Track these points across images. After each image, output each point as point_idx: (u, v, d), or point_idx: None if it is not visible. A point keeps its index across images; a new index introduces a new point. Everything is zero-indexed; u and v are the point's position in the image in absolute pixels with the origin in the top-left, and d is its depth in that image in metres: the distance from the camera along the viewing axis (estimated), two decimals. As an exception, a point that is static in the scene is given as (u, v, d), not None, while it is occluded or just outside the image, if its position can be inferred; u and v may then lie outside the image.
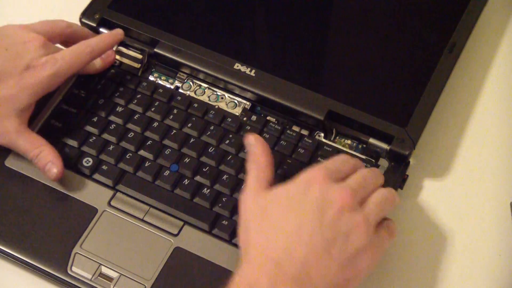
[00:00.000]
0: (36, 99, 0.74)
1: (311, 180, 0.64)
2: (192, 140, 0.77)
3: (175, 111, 0.78)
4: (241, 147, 0.76)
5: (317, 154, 0.76)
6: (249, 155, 0.69)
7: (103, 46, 0.78)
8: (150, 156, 0.76)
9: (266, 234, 0.62)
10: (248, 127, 0.77)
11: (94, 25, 0.82)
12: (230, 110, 0.79)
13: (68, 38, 0.79)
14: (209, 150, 0.76)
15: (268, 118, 0.79)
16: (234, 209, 0.73)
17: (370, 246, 0.63)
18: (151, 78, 0.82)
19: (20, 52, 0.73)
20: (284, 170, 0.75)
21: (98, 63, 0.80)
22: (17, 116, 0.73)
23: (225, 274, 0.70)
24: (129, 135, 0.77)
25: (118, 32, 0.80)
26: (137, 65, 0.82)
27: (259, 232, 0.63)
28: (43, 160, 0.73)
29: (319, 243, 0.61)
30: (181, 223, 0.73)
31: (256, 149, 0.68)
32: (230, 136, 0.77)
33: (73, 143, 0.77)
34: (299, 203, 0.63)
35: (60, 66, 0.74)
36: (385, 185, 0.73)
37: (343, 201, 0.63)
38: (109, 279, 0.70)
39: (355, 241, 0.62)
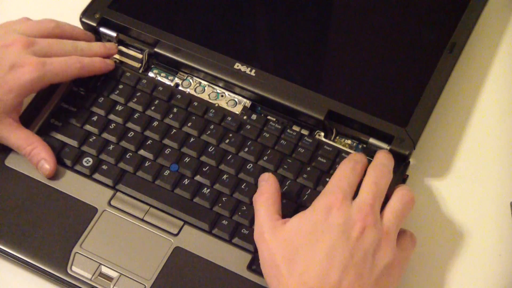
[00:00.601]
0: (22, 99, 0.75)
1: (330, 206, 0.65)
2: (192, 139, 0.77)
3: (175, 110, 0.78)
4: (241, 147, 0.76)
5: (317, 153, 0.76)
6: (258, 190, 0.69)
7: (93, 67, 0.78)
8: (150, 155, 0.76)
9: (298, 265, 0.63)
10: (248, 126, 0.77)
11: (94, 24, 0.82)
12: (230, 109, 0.79)
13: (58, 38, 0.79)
14: (209, 149, 0.76)
15: (268, 117, 0.79)
16: (234, 209, 0.73)
17: (396, 260, 0.65)
18: (151, 74, 0.81)
19: (2, 56, 0.73)
20: (284, 169, 0.75)
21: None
22: (7, 115, 0.73)
23: (225, 274, 0.70)
24: (129, 135, 0.77)
25: (110, 63, 0.80)
26: (137, 65, 0.82)
27: (291, 265, 0.63)
28: (36, 157, 0.74)
29: (351, 266, 0.62)
30: (181, 223, 0.73)
31: (267, 184, 0.69)
32: (230, 135, 0.77)
33: (73, 142, 0.76)
34: (323, 232, 0.64)
35: (46, 71, 0.74)
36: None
37: (365, 221, 0.64)
38: (109, 278, 0.70)
39: (381, 258, 0.64)
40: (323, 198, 0.66)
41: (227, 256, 0.71)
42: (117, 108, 0.78)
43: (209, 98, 0.80)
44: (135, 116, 0.78)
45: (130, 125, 0.78)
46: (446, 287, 0.72)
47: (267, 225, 0.66)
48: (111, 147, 0.76)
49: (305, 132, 0.78)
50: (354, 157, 0.71)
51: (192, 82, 0.81)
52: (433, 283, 0.72)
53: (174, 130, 0.77)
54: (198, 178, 0.74)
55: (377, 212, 0.66)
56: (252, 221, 0.72)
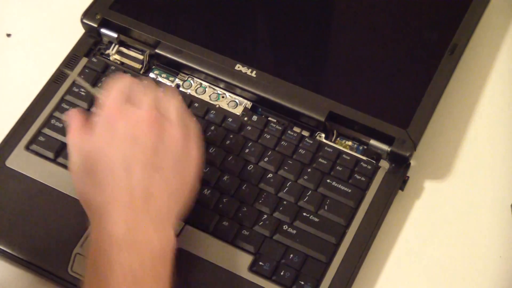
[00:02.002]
0: None
1: (109, 120, 0.66)
2: (193, 140, 0.77)
3: (176, 111, 0.78)
4: (242, 147, 0.76)
5: (318, 155, 0.76)
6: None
7: None
8: (151, 156, 0.76)
9: (102, 182, 0.64)
10: (249, 127, 0.77)
11: (95, 25, 0.82)
12: (231, 110, 0.79)
13: None
14: (210, 150, 0.76)
15: (269, 118, 0.79)
16: (235, 210, 0.73)
17: (184, 133, 0.67)
18: (152, 75, 0.81)
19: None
20: (284, 170, 0.75)
21: None
22: None
23: (226, 275, 0.70)
24: (130, 136, 0.77)
25: None
26: (138, 66, 0.82)
27: (95, 185, 0.64)
28: None
29: (147, 163, 0.64)
30: (182, 223, 0.72)
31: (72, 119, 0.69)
32: (231, 136, 0.77)
33: (74, 143, 0.76)
34: (111, 142, 0.65)
35: None
36: (386, 187, 0.74)
37: (149, 117, 0.65)
38: (110, 279, 0.70)
39: (171, 140, 0.66)
40: (102, 114, 0.66)
41: (228, 257, 0.71)
42: (118, 109, 0.78)
43: (210, 99, 0.80)
44: (136, 117, 0.78)
45: (131, 126, 0.77)
46: (447, 288, 0.73)
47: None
48: (112, 148, 0.76)
49: (306, 133, 0.78)
50: (121, 77, 0.71)
51: (193, 83, 0.81)
52: (433, 285, 0.72)
53: (175, 131, 0.77)
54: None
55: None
56: (253, 222, 0.72)
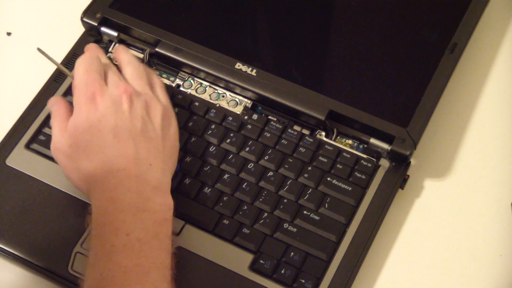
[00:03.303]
0: None
1: (92, 96, 0.69)
2: (193, 139, 0.76)
3: (176, 110, 0.78)
4: (242, 146, 0.76)
5: (318, 153, 0.76)
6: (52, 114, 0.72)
7: None
8: (151, 155, 0.76)
9: (96, 158, 0.67)
10: (250, 126, 0.77)
11: (95, 24, 0.82)
12: (231, 109, 0.79)
13: None
14: (211, 149, 0.76)
15: (269, 117, 0.79)
16: (235, 209, 0.73)
17: (164, 106, 0.72)
18: (152, 76, 0.81)
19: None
20: (285, 169, 0.75)
21: None
22: None
23: (226, 274, 0.70)
24: (130, 134, 0.77)
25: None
26: (138, 64, 0.82)
27: (90, 161, 0.67)
28: None
29: (138, 135, 0.68)
30: (183, 222, 0.72)
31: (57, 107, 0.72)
32: (232, 135, 0.77)
33: (74, 142, 0.76)
34: (99, 120, 0.68)
35: None
36: (386, 185, 0.74)
37: (126, 92, 0.70)
38: (110, 278, 0.70)
39: (155, 114, 0.70)
40: (81, 94, 0.69)
41: (229, 256, 0.71)
42: (118, 107, 0.78)
43: (210, 99, 0.80)
44: (136, 116, 0.78)
45: (131, 124, 0.77)
46: (446, 287, 0.72)
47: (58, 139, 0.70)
48: (112, 146, 0.76)
49: (306, 132, 0.78)
50: (89, 53, 0.75)
51: (193, 83, 0.81)
52: (433, 283, 0.72)
53: (175, 130, 0.77)
54: (199, 177, 0.74)
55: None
56: (253, 221, 0.72)
